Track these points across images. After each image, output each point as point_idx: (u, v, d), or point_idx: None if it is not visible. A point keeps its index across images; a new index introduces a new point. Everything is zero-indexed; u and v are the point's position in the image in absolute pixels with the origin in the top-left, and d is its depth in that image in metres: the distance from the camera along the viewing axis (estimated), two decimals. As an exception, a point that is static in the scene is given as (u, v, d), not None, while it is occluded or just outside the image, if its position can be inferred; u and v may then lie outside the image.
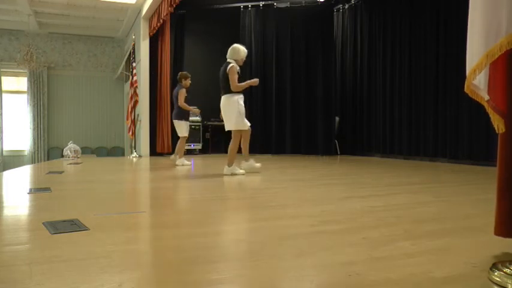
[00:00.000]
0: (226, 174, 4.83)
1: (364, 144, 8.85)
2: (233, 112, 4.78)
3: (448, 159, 6.74)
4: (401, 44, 7.77)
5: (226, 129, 5.02)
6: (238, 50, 4.82)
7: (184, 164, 6.41)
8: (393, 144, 8.01)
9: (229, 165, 4.87)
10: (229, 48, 4.89)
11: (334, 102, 9.10)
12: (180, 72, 6.62)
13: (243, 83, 4.79)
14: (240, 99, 4.82)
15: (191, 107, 6.48)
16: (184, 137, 6.52)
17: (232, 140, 4.90)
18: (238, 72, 4.78)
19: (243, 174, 4.85)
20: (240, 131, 4.88)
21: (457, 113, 6.59)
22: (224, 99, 4.90)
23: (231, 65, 4.75)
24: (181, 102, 6.32)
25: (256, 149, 9.31)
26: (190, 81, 6.53)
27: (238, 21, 9.49)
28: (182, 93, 6.36)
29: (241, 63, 4.88)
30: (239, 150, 5.01)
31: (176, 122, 6.52)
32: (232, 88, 4.74)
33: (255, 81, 4.90)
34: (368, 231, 2.05)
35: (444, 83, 6.88)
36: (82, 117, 11.77)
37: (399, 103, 7.83)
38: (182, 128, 6.47)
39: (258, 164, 5.09)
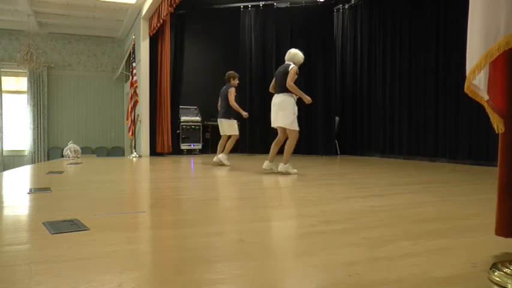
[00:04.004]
0: (280, 172, 4.97)
1: (364, 144, 8.85)
2: (290, 112, 4.92)
3: (448, 159, 6.74)
4: (402, 44, 7.77)
5: (273, 126, 5.15)
6: (297, 53, 5.10)
7: (225, 163, 6.35)
8: (393, 144, 8.00)
9: (285, 162, 5.00)
10: (288, 52, 5.16)
11: (334, 102, 9.10)
12: (228, 72, 6.54)
13: (297, 88, 4.92)
14: (295, 100, 4.98)
15: (242, 110, 6.37)
16: (236, 135, 6.43)
17: (289, 138, 5.02)
18: (297, 74, 4.98)
19: (296, 174, 4.95)
20: (292, 131, 4.98)
21: (457, 113, 6.59)
22: (281, 97, 5.02)
23: (293, 65, 4.97)
24: (232, 101, 6.26)
25: (257, 148, 9.33)
26: (238, 81, 6.52)
27: (238, 21, 9.48)
28: (232, 92, 6.29)
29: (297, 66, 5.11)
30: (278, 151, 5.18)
31: (225, 121, 6.42)
32: (287, 83, 4.88)
33: (308, 99, 4.99)
34: (368, 231, 2.05)
35: (444, 83, 6.88)
36: (82, 117, 11.77)
37: (399, 103, 7.83)
38: (233, 127, 6.41)
39: (295, 170, 5.10)
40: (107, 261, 1.55)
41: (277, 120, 5.04)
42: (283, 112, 4.96)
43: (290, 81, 4.86)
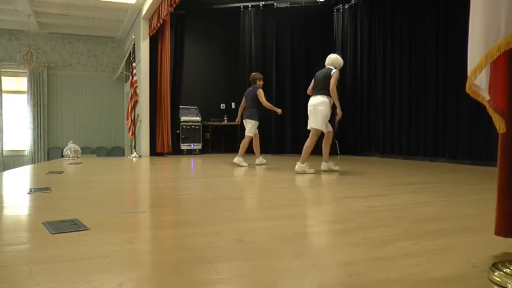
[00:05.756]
0: (297, 171, 5.00)
1: (364, 144, 8.85)
2: (323, 113, 5.02)
3: (448, 159, 6.74)
4: (402, 44, 7.77)
5: (308, 128, 5.21)
6: (337, 58, 5.28)
7: (262, 162, 6.40)
8: (393, 144, 8.00)
9: (302, 162, 5.04)
10: (328, 57, 5.30)
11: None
12: (254, 74, 6.56)
13: (336, 95, 5.01)
14: (330, 103, 5.07)
15: (275, 108, 6.35)
16: (256, 134, 6.41)
17: (309, 138, 5.12)
18: (337, 79, 5.12)
19: (313, 173, 5.01)
20: (318, 132, 5.09)
21: (457, 113, 6.59)
22: (318, 98, 5.09)
23: (336, 70, 5.09)
24: (264, 101, 6.26)
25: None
26: (263, 82, 6.53)
27: (238, 21, 9.49)
28: (262, 93, 6.30)
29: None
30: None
31: (250, 122, 6.37)
32: (330, 87, 4.99)
33: (338, 112, 5.12)
34: (368, 231, 2.05)
35: (444, 82, 6.87)
36: (82, 117, 11.77)
37: (399, 103, 7.83)
38: (253, 128, 6.36)
39: (337, 167, 5.29)
40: (107, 261, 1.55)
41: (311, 121, 5.13)
42: (316, 114, 5.06)
43: (333, 85, 4.98)
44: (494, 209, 1.50)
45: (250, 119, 6.37)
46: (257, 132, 6.43)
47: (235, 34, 9.59)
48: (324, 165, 5.30)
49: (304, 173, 4.97)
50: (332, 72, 5.05)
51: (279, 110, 6.34)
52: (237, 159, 6.28)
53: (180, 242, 1.89)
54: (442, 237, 1.93)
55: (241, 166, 6.15)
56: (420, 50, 7.37)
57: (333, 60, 5.24)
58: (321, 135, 5.28)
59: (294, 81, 9.25)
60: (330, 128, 5.25)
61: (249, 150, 6.45)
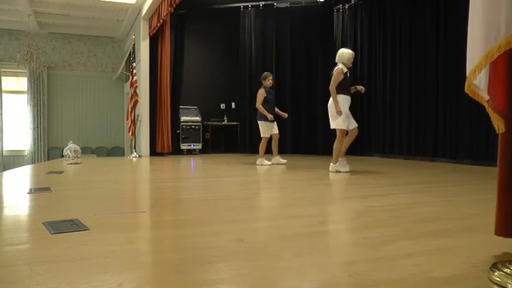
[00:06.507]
0: (331, 172, 5.07)
1: (364, 144, 8.84)
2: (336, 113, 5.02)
3: (448, 159, 6.74)
4: (402, 44, 7.77)
5: (331, 128, 5.23)
6: (343, 53, 5.15)
7: (263, 163, 6.34)
8: (393, 144, 8.00)
9: (334, 162, 5.11)
10: (337, 54, 5.22)
11: (334, 102, 9.10)
12: (263, 73, 6.53)
13: (335, 94, 4.96)
14: (343, 100, 5.01)
15: (267, 113, 6.26)
16: (265, 137, 6.41)
17: (336, 139, 5.14)
18: (345, 73, 5.03)
19: (348, 172, 5.06)
20: (343, 131, 5.10)
21: (457, 113, 6.59)
22: (330, 100, 5.10)
23: (338, 66, 5.05)
24: (257, 103, 6.27)
25: (257, 148, 9.32)
26: (270, 81, 6.41)
27: (238, 21, 9.49)
28: (261, 94, 6.28)
29: (349, 65, 5.16)
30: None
31: (259, 123, 6.42)
32: (330, 85, 4.99)
33: (339, 109, 5.01)
34: (368, 231, 2.05)
35: (444, 82, 6.87)
36: (82, 117, 11.77)
37: (399, 103, 7.83)
38: (262, 129, 6.39)
39: (346, 168, 5.19)
40: (107, 261, 1.55)
41: (331, 123, 5.16)
42: (331, 114, 5.08)
43: (332, 85, 4.97)
44: (494, 209, 1.50)
45: (258, 120, 6.42)
46: (266, 136, 6.42)
47: (235, 34, 9.59)
48: (331, 167, 5.16)
49: (337, 172, 5.04)
50: (334, 70, 5.04)
51: (269, 116, 6.29)
52: (258, 160, 6.41)
53: (180, 242, 1.89)
54: (442, 237, 1.93)
55: (263, 165, 6.28)
56: (420, 50, 7.37)
57: (339, 55, 5.17)
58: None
59: (294, 81, 9.25)
60: (355, 125, 5.14)
61: (265, 150, 6.50)
